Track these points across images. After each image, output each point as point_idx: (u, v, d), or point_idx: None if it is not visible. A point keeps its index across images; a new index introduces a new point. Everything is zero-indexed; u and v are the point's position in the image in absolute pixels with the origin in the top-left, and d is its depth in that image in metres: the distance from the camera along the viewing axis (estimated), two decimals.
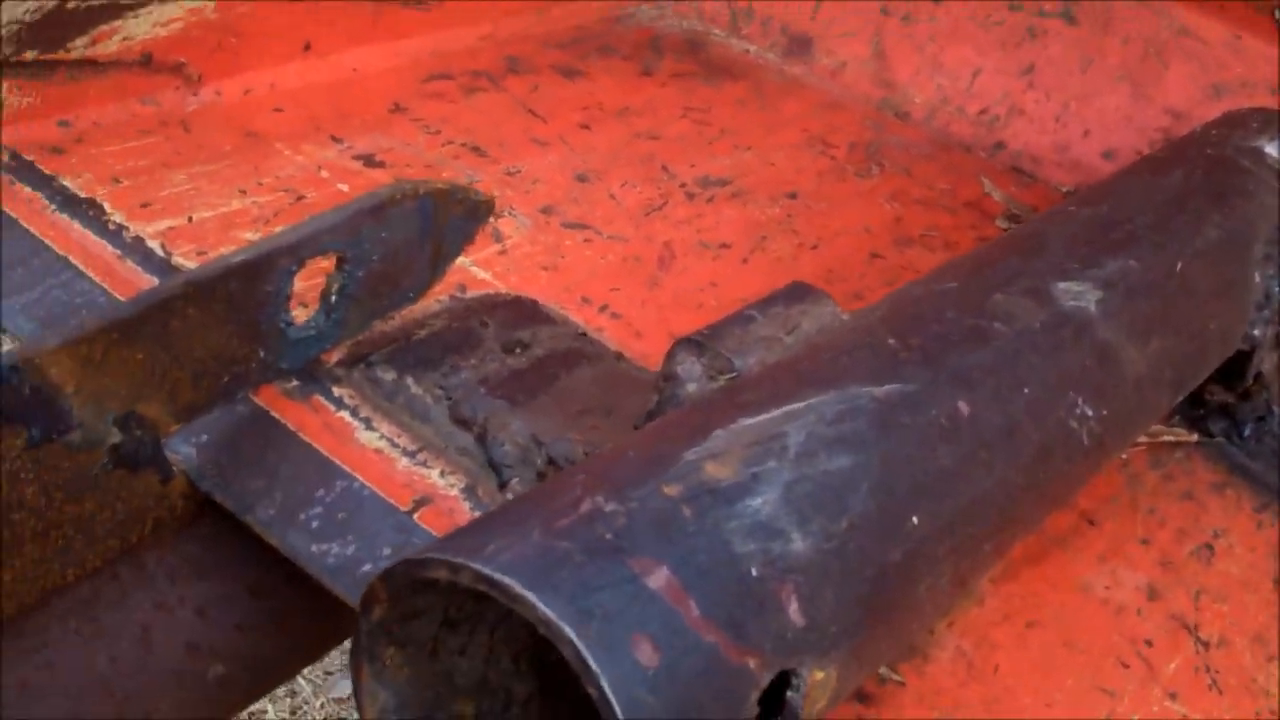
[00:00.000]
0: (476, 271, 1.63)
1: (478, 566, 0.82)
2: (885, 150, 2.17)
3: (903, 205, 2.01)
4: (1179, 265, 1.38)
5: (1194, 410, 1.62)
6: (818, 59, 2.41)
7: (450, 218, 1.43)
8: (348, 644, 1.48)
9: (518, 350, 1.46)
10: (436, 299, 1.54)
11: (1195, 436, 1.61)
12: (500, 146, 1.96)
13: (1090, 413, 1.20)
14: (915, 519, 1.01)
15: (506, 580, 0.81)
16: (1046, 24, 2.28)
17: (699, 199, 1.92)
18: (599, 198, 1.88)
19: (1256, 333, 1.51)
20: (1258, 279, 1.49)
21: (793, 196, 1.98)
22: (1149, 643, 1.34)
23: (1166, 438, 1.60)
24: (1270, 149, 1.64)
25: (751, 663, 0.86)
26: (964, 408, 1.09)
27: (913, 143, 2.22)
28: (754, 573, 0.89)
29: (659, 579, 0.84)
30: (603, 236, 1.78)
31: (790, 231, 1.88)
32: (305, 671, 3.20)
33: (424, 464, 1.32)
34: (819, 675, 0.92)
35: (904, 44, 2.37)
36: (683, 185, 1.95)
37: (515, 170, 1.90)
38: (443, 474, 1.32)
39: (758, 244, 1.83)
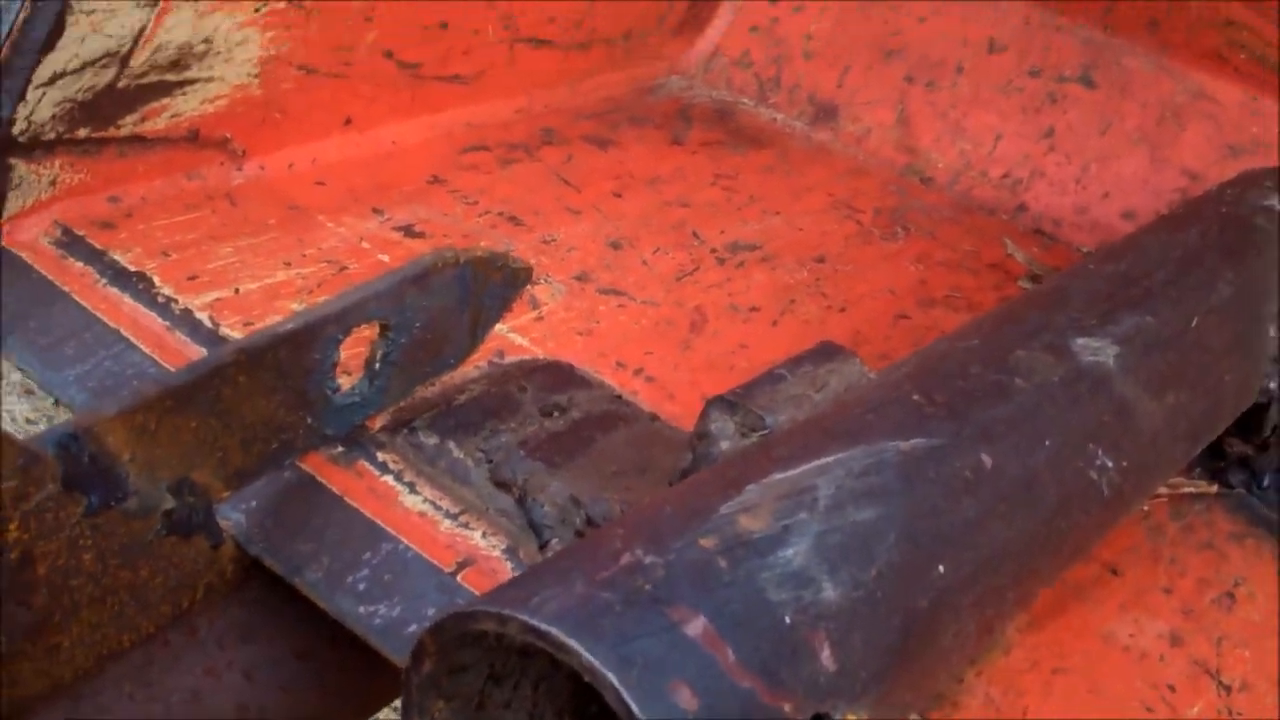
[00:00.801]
0: (514, 338, 1.67)
1: (524, 618, 0.86)
2: (910, 214, 2.21)
3: (927, 268, 2.05)
4: (1195, 321, 1.41)
5: (1214, 462, 1.65)
6: (843, 126, 2.46)
7: (489, 285, 1.47)
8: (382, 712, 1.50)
9: (555, 413, 1.49)
10: (475, 365, 1.57)
11: (1215, 488, 1.63)
12: (536, 215, 2.00)
13: (1110, 464, 1.23)
14: (941, 568, 1.04)
15: (552, 630, 0.84)
16: (1066, 89, 2.32)
17: (729, 264, 1.96)
18: (632, 264, 1.92)
19: (1273, 386, 1.54)
20: (1272, 333, 1.52)
21: (820, 260, 2.02)
22: (1172, 688, 1.37)
23: (1187, 489, 1.62)
24: None
25: (786, 707, 0.89)
26: (987, 460, 1.12)
27: (936, 206, 2.26)
28: (787, 620, 0.92)
29: (696, 627, 0.87)
30: (636, 302, 1.82)
31: (818, 294, 1.92)
32: None
33: (466, 526, 1.36)
34: (851, 719, 0.95)
35: (927, 110, 2.41)
36: (713, 250, 1.99)
37: (551, 238, 1.94)
38: (484, 535, 1.35)
39: (787, 307, 1.87)
